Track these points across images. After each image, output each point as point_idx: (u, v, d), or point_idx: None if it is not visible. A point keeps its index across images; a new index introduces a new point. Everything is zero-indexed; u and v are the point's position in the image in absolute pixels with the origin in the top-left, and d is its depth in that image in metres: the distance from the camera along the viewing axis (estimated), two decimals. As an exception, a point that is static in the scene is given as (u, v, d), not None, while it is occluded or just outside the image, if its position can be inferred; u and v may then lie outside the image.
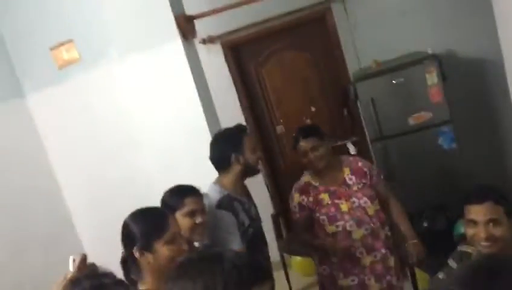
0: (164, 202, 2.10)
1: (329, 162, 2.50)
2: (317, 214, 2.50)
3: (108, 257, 1.71)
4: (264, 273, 1.03)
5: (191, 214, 2.03)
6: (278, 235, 3.80)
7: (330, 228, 2.49)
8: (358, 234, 2.46)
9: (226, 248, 1.14)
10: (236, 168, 2.28)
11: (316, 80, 4.37)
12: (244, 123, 4.28)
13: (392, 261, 2.55)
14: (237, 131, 2.35)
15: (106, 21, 2.98)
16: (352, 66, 4.15)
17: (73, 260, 1.64)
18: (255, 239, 2.33)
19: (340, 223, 2.47)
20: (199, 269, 1.00)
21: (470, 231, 1.87)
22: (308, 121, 4.44)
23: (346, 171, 2.54)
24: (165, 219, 1.67)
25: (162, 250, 1.62)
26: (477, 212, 1.83)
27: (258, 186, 3.49)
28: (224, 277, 0.96)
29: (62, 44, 3.04)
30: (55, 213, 3.20)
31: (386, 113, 3.61)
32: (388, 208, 2.63)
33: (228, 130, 2.38)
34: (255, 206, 2.45)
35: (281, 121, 4.50)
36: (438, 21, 3.92)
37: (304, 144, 2.48)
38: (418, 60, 3.58)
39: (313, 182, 2.55)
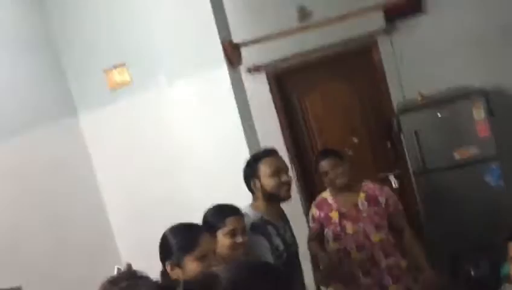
0: (205, 220, 2.12)
1: (348, 183, 2.68)
2: (326, 229, 2.73)
3: (147, 273, 1.76)
4: None
5: (232, 233, 2.05)
6: (315, 265, 3.74)
7: (333, 245, 2.70)
8: (357, 256, 2.64)
9: None
10: (258, 193, 2.30)
11: (359, 111, 4.36)
12: (285, 151, 4.36)
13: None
14: (255, 156, 2.39)
15: (157, 46, 3.11)
16: (397, 99, 4.12)
17: (118, 269, 1.67)
18: (289, 264, 2.32)
19: (343, 242, 2.66)
20: None
21: None
22: (351, 153, 4.42)
23: (362, 195, 2.69)
24: (198, 235, 1.70)
25: (192, 266, 1.65)
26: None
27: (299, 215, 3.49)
28: None
29: (115, 67, 3.20)
30: (98, 228, 3.30)
31: (431, 146, 3.55)
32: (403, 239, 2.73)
33: (252, 155, 2.44)
34: (292, 231, 2.45)
35: (323, 151, 4.49)
36: (486, 55, 3.86)
37: (324, 163, 2.69)
38: (464, 95, 3.54)
39: (329, 200, 2.76)
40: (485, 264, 3.35)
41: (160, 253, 1.73)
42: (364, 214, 2.65)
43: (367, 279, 2.65)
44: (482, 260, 3.37)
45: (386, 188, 2.77)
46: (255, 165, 2.31)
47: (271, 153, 2.38)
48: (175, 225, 1.76)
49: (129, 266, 1.68)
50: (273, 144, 4.18)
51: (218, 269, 1.60)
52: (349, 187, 2.69)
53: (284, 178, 2.28)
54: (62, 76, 3.28)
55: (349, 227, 2.65)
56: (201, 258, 1.65)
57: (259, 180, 2.28)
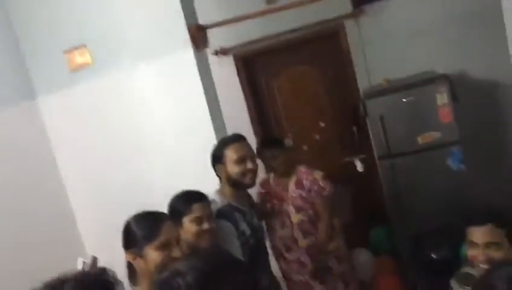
0: (171, 206, 2.11)
1: (286, 168, 2.89)
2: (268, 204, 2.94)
3: (112, 262, 1.71)
4: None
5: (198, 220, 2.04)
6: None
7: (266, 221, 2.89)
8: (281, 233, 2.87)
9: None
10: (224, 179, 2.28)
11: (326, 95, 4.37)
12: (252, 135, 4.34)
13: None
14: (222, 141, 2.36)
15: (119, 28, 3.01)
16: (363, 84, 4.15)
17: (83, 262, 1.60)
18: (257, 249, 2.32)
19: (272, 220, 2.90)
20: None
21: (471, 253, 1.89)
22: (317, 137, 4.44)
23: (293, 179, 2.89)
24: (159, 223, 1.67)
25: (153, 255, 1.62)
26: (478, 235, 1.85)
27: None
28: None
29: (76, 48, 3.08)
30: (59, 215, 3.21)
31: (395, 131, 3.59)
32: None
33: (218, 141, 2.42)
34: (258, 216, 2.45)
35: (290, 135, 4.49)
36: (450, 41, 3.92)
37: (267, 152, 2.89)
38: (429, 80, 3.58)
39: (270, 180, 2.99)
40: (446, 246, 3.44)
41: (123, 242, 1.69)
42: (290, 196, 2.85)
43: (289, 255, 2.89)
44: (443, 242, 3.45)
45: (316, 174, 2.91)
46: (221, 151, 2.29)
47: (238, 139, 2.35)
48: (138, 213, 1.72)
49: (94, 259, 1.62)
50: (240, 128, 4.20)
51: (179, 260, 1.58)
52: (288, 171, 2.91)
53: (249, 165, 2.26)
54: (20, 58, 3.14)
55: (277, 206, 2.87)
56: (163, 247, 1.62)
57: (225, 166, 2.26)
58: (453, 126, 3.50)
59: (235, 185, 2.27)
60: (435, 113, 3.50)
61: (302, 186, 2.86)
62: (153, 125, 3.10)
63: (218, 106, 3.29)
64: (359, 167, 4.24)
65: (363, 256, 4.16)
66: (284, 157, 2.89)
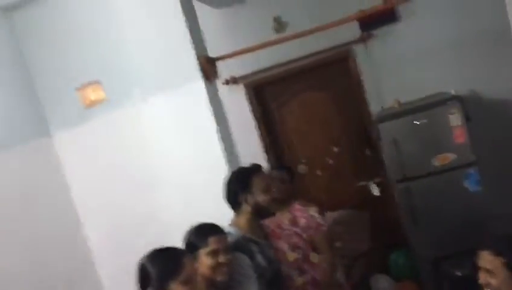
0: (187, 240, 2.09)
1: (285, 200, 2.82)
2: None
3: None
4: None
5: (214, 253, 2.02)
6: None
7: None
8: None
9: None
10: (246, 209, 2.27)
11: (338, 120, 4.37)
12: (265, 162, 4.34)
13: None
14: (247, 170, 2.36)
15: (131, 63, 3.06)
16: (374, 107, 4.15)
17: None
18: (273, 282, 2.29)
19: None
20: None
21: (479, 276, 1.90)
22: (331, 162, 4.42)
23: (287, 216, 2.80)
24: (180, 259, 1.66)
25: None
26: (479, 258, 1.86)
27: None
28: None
29: (89, 84, 3.14)
30: (76, 252, 3.21)
31: (409, 154, 3.56)
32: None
33: (239, 169, 2.40)
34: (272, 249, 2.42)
35: (303, 161, 4.48)
36: (461, 62, 3.91)
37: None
38: (440, 101, 3.56)
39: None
40: (467, 265, 3.37)
41: (139, 283, 1.67)
42: (284, 234, 2.76)
43: None
44: (464, 262, 3.38)
45: (311, 210, 2.86)
46: (247, 179, 2.28)
47: (260, 168, 2.39)
48: (152, 253, 1.71)
49: None
50: (253, 156, 4.21)
51: None
52: (284, 203, 2.83)
53: (273, 194, 2.27)
54: (34, 96, 3.21)
55: (274, 244, 2.69)
56: (186, 282, 1.62)
57: (253, 195, 2.26)
58: (468, 147, 3.45)
59: (261, 213, 2.30)
60: (449, 134, 3.47)
61: (297, 224, 2.80)
62: (167, 156, 3.12)
63: (230, 134, 3.31)
64: (375, 190, 4.20)
65: (383, 282, 4.08)
66: (291, 186, 2.89)
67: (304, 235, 2.76)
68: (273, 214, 2.34)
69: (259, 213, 2.30)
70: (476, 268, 2.04)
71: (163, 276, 1.62)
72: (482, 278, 1.84)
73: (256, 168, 2.37)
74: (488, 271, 1.83)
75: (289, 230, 2.77)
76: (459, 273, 3.27)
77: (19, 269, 2.78)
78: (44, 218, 3.06)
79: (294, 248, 2.74)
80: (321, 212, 2.88)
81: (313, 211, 2.84)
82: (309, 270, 2.77)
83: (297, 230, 2.78)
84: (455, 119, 3.46)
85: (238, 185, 2.30)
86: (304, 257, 2.76)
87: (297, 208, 2.85)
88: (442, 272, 3.41)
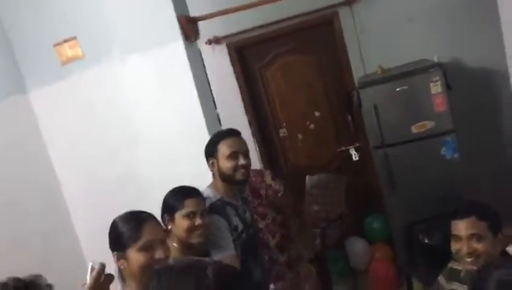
0: (165, 202, 2.10)
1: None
2: None
3: (105, 254, 1.71)
4: None
5: (191, 215, 2.03)
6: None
7: None
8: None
9: (207, 261, 1.12)
10: (216, 173, 2.27)
11: (320, 84, 4.35)
12: (246, 124, 4.33)
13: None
14: (216, 135, 2.35)
15: (110, 20, 2.97)
16: (358, 72, 4.13)
17: (92, 269, 1.59)
18: (249, 244, 2.32)
19: None
20: (183, 281, 1.00)
21: (455, 246, 1.90)
22: (312, 126, 4.43)
23: (248, 188, 2.78)
24: (140, 225, 1.66)
25: (136, 257, 1.61)
26: (460, 227, 1.87)
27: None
28: None
29: (66, 41, 3.04)
30: (53, 209, 3.21)
31: (389, 120, 3.58)
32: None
33: (214, 133, 2.41)
34: (251, 212, 2.44)
35: (284, 124, 4.48)
36: (445, 29, 3.89)
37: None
38: (423, 69, 3.55)
39: None
40: (438, 234, 3.45)
41: (110, 242, 1.68)
42: (252, 205, 2.83)
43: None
44: (436, 230, 3.47)
45: (268, 179, 3.01)
46: (214, 145, 2.28)
47: (232, 133, 2.33)
48: (123, 213, 1.71)
49: (102, 266, 1.60)
50: (234, 117, 4.19)
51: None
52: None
53: (241, 161, 2.24)
54: (10, 52, 3.11)
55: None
56: (145, 249, 1.62)
57: (218, 161, 2.25)
58: (447, 115, 3.48)
59: (227, 180, 2.26)
60: (429, 102, 3.49)
61: (260, 196, 2.94)
62: (145, 116, 3.09)
63: (210, 95, 3.27)
64: (354, 155, 4.24)
65: (358, 244, 4.18)
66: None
67: (266, 203, 2.92)
68: (238, 182, 2.27)
69: (225, 179, 2.26)
70: (447, 237, 2.08)
71: (122, 241, 1.63)
72: (464, 247, 1.85)
73: (226, 133, 2.33)
74: (471, 237, 1.84)
75: (254, 203, 2.86)
76: (426, 241, 3.35)
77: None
78: (21, 176, 3.03)
79: (262, 216, 2.89)
80: (274, 177, 3.03)
81: (268, 179, 2.98)
82: (278, 231, 2.94)
83: (261, 201, 2.93)
84: (436, 87, 3.47)
85: (206, 149, 2.30)
86: (272, 220, 2.92)
87: (254, 180, 2.95)
88: (413, 237, 3.49)
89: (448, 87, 3.48)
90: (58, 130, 3.20)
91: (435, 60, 3.76)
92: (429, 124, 3.51)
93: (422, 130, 3.52)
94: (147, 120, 3.08)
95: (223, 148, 2.25)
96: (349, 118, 4.25)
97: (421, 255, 3.29)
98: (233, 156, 2.23)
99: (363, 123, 3.82)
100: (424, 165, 3.58)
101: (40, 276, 1.45)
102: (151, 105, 3.05)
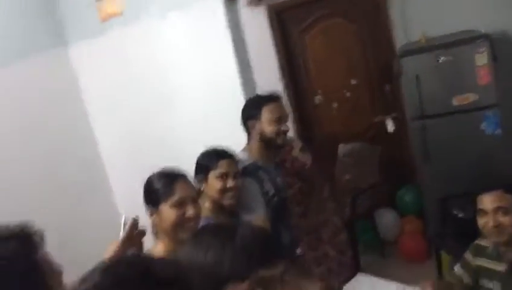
0: (198, 161, 2.13)
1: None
2: None
3: (140, 211, 1.75)
4: (276, 256, 1.00)
5: (223, 176, 2.04)
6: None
7: None
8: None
9: (245, 223, 1.13)
10: (255, 136, 2.27)
11: (359, 51, 4.23)
12: (282, 90, 4.28)
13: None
14: (260, 99, 2.33)
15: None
16: (399, 41, 3.99)
17: (125, 224, 1.62)
18: (280, 208, 2.33)
19: None
20: (212, 241, 1.00)
21: (481, 221, 1.90)
22: (348, 94, 4.34)
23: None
24: (173, 182, 1.68)
25: (167, 213, 1.64)
26: (486, 201, 1.87)
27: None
28: (234, 253, 0.95)
29: (107, -3, 3.05)
30: (89, 163, 3.29)
31: (430, 91, 3.46)
32: None
33: (255, 97, 2.38)
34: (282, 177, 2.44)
35: (320, 91, 4.41)
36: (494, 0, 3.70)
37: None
38: (468, 39, 3.40)
39: None
40: (472, 209, 3.39)
41: (144, 197, 1.72)
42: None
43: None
44: (470, 205, 3.40)
45: (294, 151, 2.81)
46: (258, 108, 2.27)
47: (276, 98, 2.34)
48: (159, 170, 1.74)
49: (135, 221, 1.62)
50: (270, 81, 4.14)
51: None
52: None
53: (283, 127, 2.25)
54: (54, 6, 3.14)
55: None
56: (177, 206, 1.64)
57: (260, 124, 2.24)
58: (491, 88, 3.34)
59: (267, 144, 2.27)
60: (473, 74, 3.35)
61: (285, 166, 2.84)
62: (182, 77, 3.09)
63: (247, 57, 3.24)
64: (390, 126, 4.15)
65: (388, 216, 4.15)
66: None
67: (292, 172, 2.79)
68: (278, 146, 2.30)
69: (265, 143, 2.27)
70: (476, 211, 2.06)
71: (156, 196, 1.66)
72: (490, 220, 1.85)
73: (271, 98, 2.33)
74: (497, 210, 1.83)
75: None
76: (461, 215, 3.29)
77: (33, 178, 2.87)
78: (58, 126, 3.11)
79: (289, 186, 2.79)
80: (304, 147, 2.91)
81: (296, 151, 2.85)
82: (304, 200, 2.86)
83: (286, 170, 2.83)
84: (481, 58, 3.32)
85: (248, 112, 2.28)
86: (299, 189, 2.82)
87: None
88: (446, 211, 3.43)
89: (494, 59, 3.33)
90: (96, 85, 3.25)
91: (482, 31, 3.59)
92: (472, 97, 3.38)
93: (465, 102, 3.40)
94: (182, 79, 3.09)
95: (267, 113, 2.25)
96: (387, 87, 4.14)
97: (454, 229, 3.25)
98: (277, 121, 2.25)
99: (401, 93, 3.71)
100: (462, 139, 3.47)
101: (28, 223, 1.44)
102: (187, 64, 3.06)
